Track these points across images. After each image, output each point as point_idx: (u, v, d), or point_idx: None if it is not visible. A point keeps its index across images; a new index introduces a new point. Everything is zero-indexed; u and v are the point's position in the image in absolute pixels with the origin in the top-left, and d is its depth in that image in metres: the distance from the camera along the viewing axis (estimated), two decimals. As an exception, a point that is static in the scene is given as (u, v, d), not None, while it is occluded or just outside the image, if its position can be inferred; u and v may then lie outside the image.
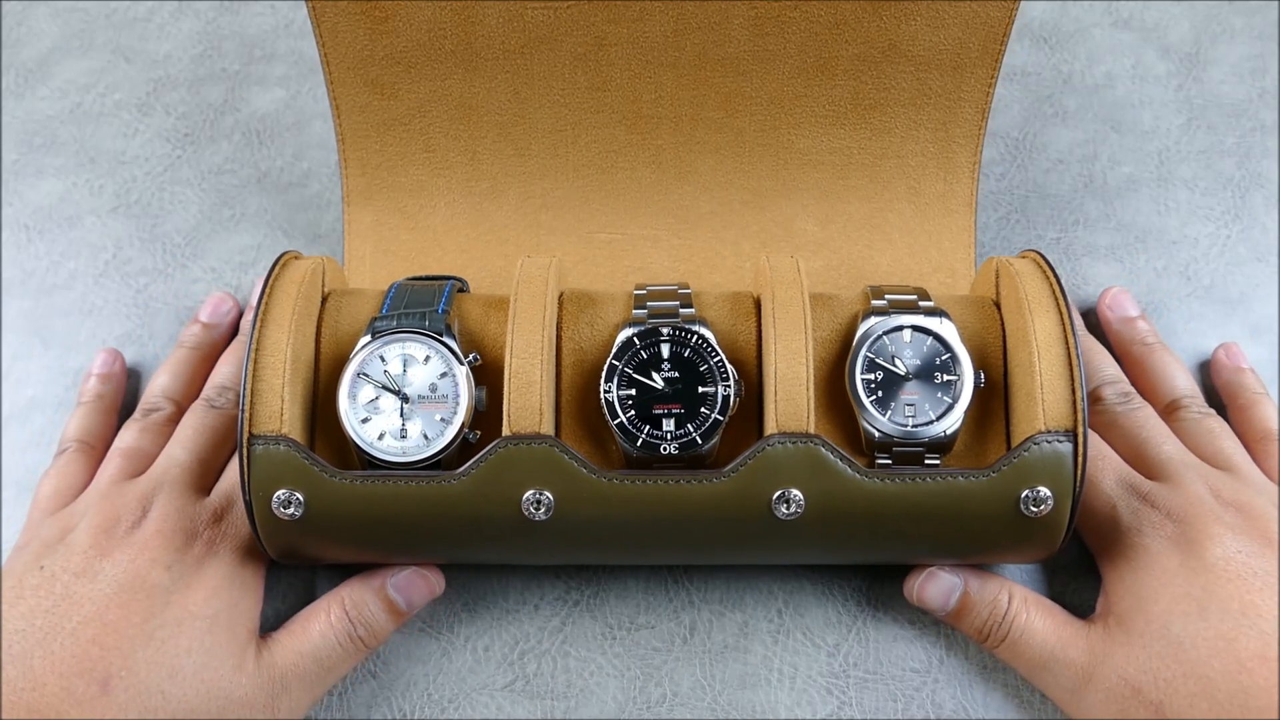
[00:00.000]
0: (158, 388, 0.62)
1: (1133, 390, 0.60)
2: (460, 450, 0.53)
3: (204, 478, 0.57)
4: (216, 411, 0.59)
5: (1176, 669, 0.50)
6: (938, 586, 0.56)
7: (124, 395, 0.64)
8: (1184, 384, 0.61)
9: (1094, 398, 0.60)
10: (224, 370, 0.62)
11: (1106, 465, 0.56)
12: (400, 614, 0.56)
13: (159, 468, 0.57)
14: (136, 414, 0.61)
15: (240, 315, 0.66)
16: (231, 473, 0.57)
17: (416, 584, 0.56)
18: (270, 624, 0.56)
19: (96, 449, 0.60)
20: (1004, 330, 0.56)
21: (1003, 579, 0.56)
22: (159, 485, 0.56)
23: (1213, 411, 0.60)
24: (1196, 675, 0.49)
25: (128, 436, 0.60)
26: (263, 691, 0.52)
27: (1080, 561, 0.58)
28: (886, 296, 0.55)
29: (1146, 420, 0.58)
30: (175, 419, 0.61)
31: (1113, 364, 0.62)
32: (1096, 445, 0.57)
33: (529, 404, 0.51)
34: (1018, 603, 0.54)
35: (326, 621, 0.54)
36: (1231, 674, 0.49)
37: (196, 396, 0.61)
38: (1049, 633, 0.54)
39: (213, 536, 0.55)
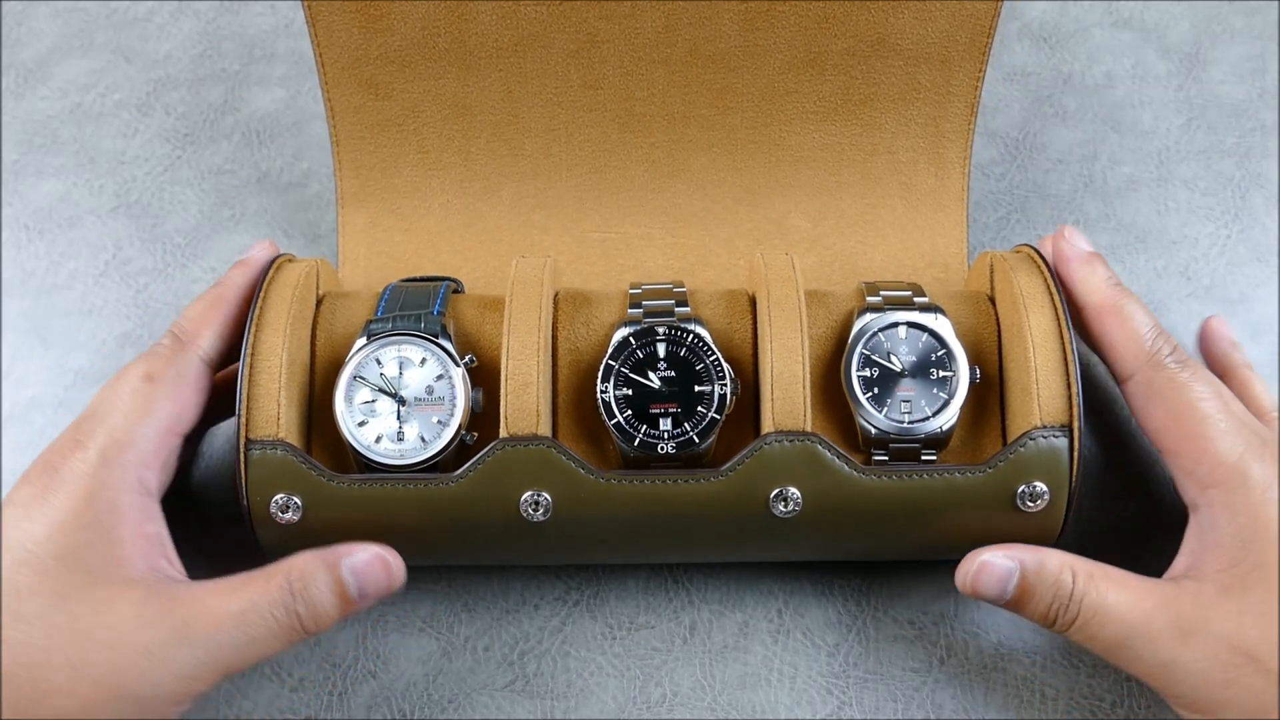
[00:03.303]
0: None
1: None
2: (457, 452, 0.53)
3: None
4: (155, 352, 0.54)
5: None
6: (992, 575, 0.52)
7: None
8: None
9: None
10: (189, 313, 0.56)
11: (1233, 403, 0.52)
12: (349, 602, 0.50)
13: None
14: None
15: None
16: (101, 396, 0.52)
17: (375, 570, 0.50)
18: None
19: None
20: (999, 325, 0.56)
21: (1063, 555, 0.51)
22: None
23: None
24: None
25: None
26: (153, 635, 0.47)
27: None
28: (881, 293, 0.55)
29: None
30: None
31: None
32: (1213, 383, 0.52)
33: (526, 405, 0.51)
34: (1083, 580, 0.50)
35: (264, 587, 0.48)
36: None
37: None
38: (1127, 607, 0.49)
39: (59, 465, 0.50)
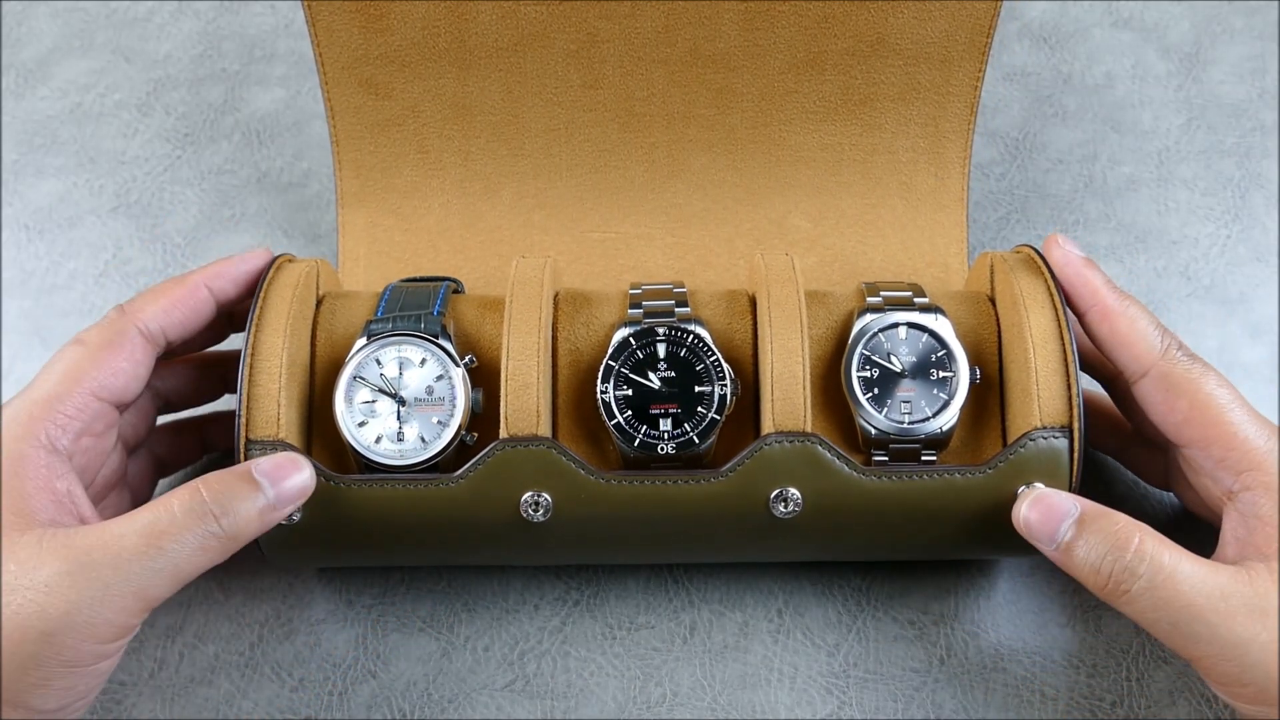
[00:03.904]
0: None
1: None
2: (458, 453, 0.52)
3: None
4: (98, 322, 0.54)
5: None
6: (1047, 514, 0.49)
7: None
8: None
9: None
10: (142, 292, 0.55)
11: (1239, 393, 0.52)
12: (267, 504, 0.48)
13: None
14: None
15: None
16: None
17: (285, 468, 0.49)
18: (270, 623, 0.56)
19: None
20: (999, 326, 0.56)
21: (1125, 515, 0.49)
22: None
23: None
24: None
25: None
26: (51, 569, 0.44)
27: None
28: (881, 293, 0.55)
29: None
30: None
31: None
32: (1221, 374, 0.52)
33: (526, 406, 0.51)
34: (1152, 540, 0.47)
35: (166, 500, 0.47)
36: None
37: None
38: (1201, 576, 0.47)
39: None
